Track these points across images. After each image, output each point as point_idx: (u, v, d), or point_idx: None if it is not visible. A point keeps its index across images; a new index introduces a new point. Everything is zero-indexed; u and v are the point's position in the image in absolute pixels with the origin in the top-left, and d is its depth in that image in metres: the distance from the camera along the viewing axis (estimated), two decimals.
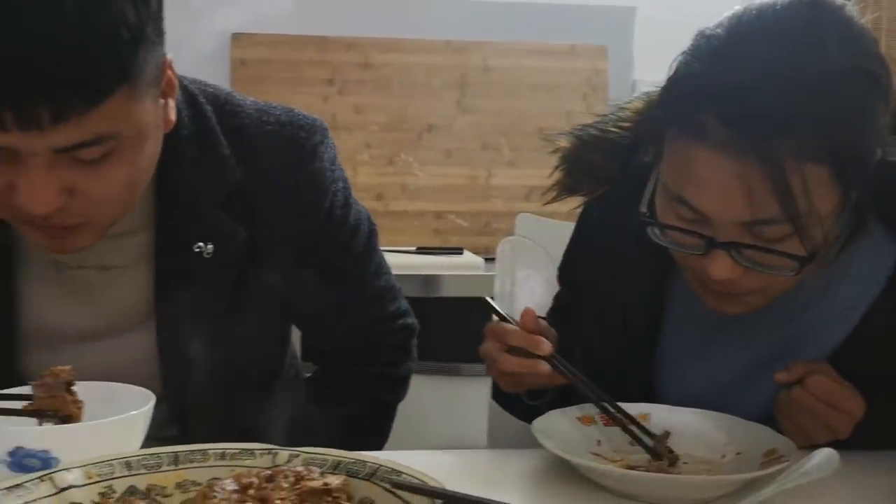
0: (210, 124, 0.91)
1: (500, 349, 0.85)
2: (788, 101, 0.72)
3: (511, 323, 0.86)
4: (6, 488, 0.54)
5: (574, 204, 1.06)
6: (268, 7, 2.26)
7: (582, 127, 0.98)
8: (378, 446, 1.06)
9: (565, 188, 1.00)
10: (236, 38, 2.24)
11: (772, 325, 0.88)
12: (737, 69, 0.75)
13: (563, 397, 0.89)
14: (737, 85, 0.74)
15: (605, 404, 0.84)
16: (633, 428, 0.83)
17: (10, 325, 0.88)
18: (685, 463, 0.81)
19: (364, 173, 2.25)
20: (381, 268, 1.07)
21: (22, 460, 0.65)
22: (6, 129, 0.68)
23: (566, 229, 1.11)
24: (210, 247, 0.89)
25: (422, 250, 2.06)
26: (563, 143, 0.98)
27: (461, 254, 2.04)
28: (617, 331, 0.93)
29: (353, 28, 2.27)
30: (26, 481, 0.55)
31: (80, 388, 0.73)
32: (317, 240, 0.96)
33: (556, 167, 0.99)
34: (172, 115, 0.84)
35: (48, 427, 0.70)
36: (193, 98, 0.92)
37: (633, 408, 0.86)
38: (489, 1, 2.34)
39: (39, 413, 0.71)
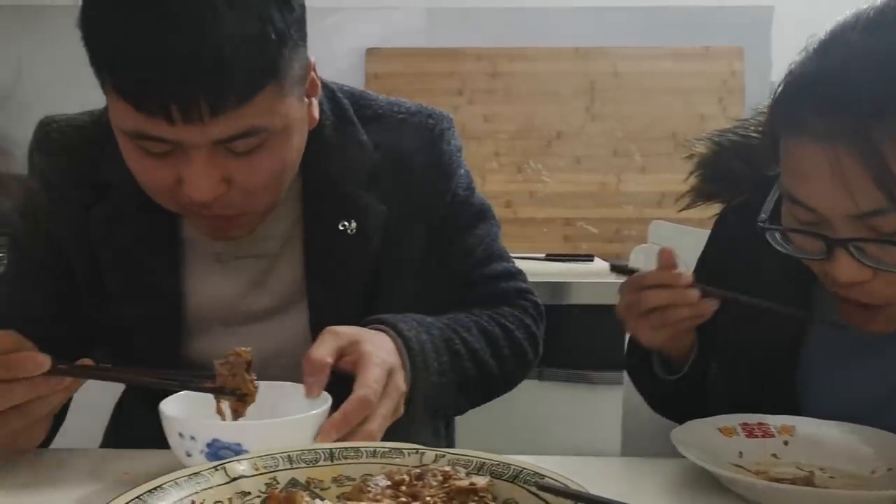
0: (348, 115, 0.99)
1: (640, 288, 0.85)
2: (881, 83, 0.70)
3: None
4: (187, 476, 0.59)
5: (710, 211, 1.04)
6: (401, 23, 2.34)
7: (721, 132, 0.97)
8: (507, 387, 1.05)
9: (702, 195, 0.99)
10: (371, 52, 2.32)
11: None
12: (831, 57, 0.73)
13: (696, 406, 0.88)
14: (829, 71, 0.73)
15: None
16: None
17: (178, 315, 0.97)
18: (832, 477, 0.79)
19: (493, 181, 2.28)
20: (504, 254, 1.10)
21: (218, 451, 0.71)
22: (173, 122, 0.76)
23: (701, 236, 1.10)
24: (353, 224, 0.96)
25: (551, 257, 2.06)
26: (701, 149, 0.97)
27: (591, 261, 2.04)
28: (759, 341, 0.91)
29: (483, 39, 2.31)
30: (203, 470, 0.60)
31: (262, 387, 0.79)
32: (443, 219, 1.01)
33: (692, 173, 0.98)
34: (316, 113, 0.91)
35: (241, 423, 0.76)
36: (333, 93, 1.00)
37: (777, 420, 0.84)
38: (618, 6, 2.33)
39: (220, 390, 0.77)
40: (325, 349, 0.80)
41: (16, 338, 0.75)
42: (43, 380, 0.73)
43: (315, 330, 0.96)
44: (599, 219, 2.28)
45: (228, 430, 0.72)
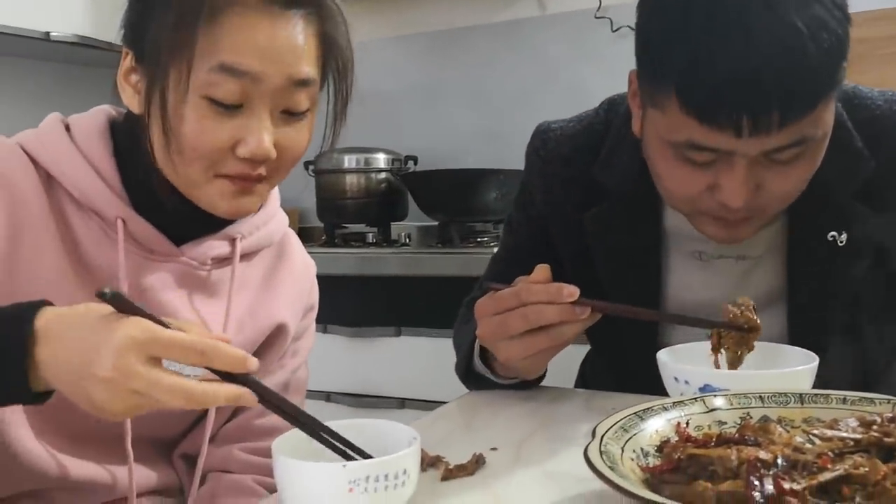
0: (841, 120, 0.95)
1: None
2: None
3: None
4: (672, 403, 0.71)
5: None
6: None
7: None
8: None
9: None
10: None
11: None
12: None
13: None
14: None
15: None
16: None
17: (658, 307, 1.05)
18: None
19: None
20: None
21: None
22: (741, 135, 0.81)
23: None
24: (844, 236, 0.94)
25: None
26: None
27: None
28: None
29: None
30: (685, 400, 0.72)
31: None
32: None
33: None
34: (832, 119, 0.89)
35: (731, 371, 0.85)
36: None
37: None
38: None
39: (730, 324, 0.86)
40: None
41: (548, 269, 0.88)
42: (570, 307, 0.84)
43: (793, 332, 0.98)
44: None
45: (719, 377, 0.81)
